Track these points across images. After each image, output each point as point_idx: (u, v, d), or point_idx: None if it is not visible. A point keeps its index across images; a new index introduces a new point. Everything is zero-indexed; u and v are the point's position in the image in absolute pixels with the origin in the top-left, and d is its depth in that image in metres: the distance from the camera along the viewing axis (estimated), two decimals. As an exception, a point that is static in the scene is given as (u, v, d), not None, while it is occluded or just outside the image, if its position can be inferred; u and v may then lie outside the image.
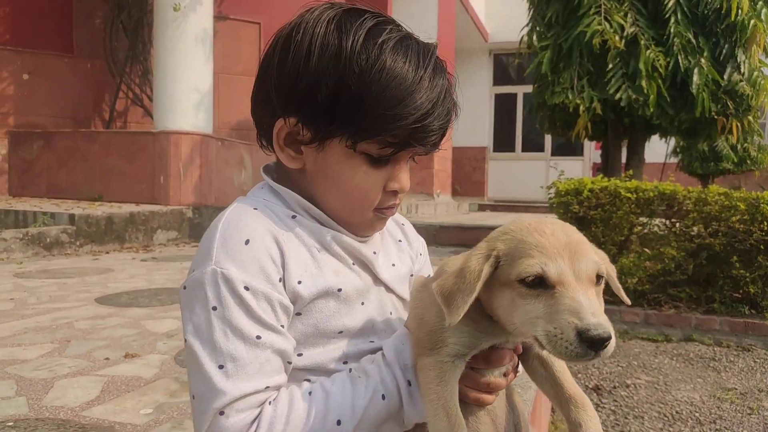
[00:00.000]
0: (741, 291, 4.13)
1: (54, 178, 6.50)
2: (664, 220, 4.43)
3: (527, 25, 6.68)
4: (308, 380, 0.85)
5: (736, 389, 3.07)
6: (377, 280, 0.95)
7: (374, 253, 0.94)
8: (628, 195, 4.29)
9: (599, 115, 5.87)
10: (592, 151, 13.89)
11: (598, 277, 0.73)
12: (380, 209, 0.91)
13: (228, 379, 0.75)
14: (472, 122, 14.44)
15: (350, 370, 0.85)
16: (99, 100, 7.76)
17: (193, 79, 6.35)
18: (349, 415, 0.80)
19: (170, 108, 6.29)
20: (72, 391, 1.69)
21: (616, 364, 3.46)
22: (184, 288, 0.82)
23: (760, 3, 5.67)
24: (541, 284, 0.70)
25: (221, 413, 0.74)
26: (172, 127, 6.20)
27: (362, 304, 0.91)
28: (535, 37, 6.44)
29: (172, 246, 5.54)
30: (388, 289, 0.97)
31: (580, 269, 0.71)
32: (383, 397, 0.82)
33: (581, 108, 5.70)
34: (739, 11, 5.41)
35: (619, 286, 0.81)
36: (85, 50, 7.61)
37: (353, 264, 0.91)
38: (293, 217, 0.88)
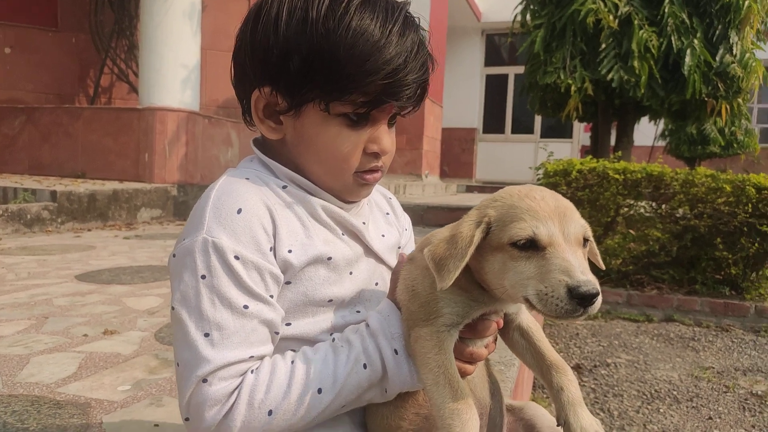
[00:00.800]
0: (723, 272, 4.18)
1: (36, 155, 6.39)
2: (650, 202, 4.45)
3: (521, 3, 6.60)
4: (293, 350, 0.85)
5: (714, 368, 3.11)
6: (368, 250, 0.96)
7: (363, 223, 0.95)
8: (616, 176, 4.29)
9: (590, 96, 5.85)
10: (581, 134, 13.89)
11: (585, 240, 0.76)
12: (361, 173, 0.90)
13: (213, 348, 0.75)
14: (462, 103, 14.37)
15: (333, 339, 0.86)
16: (83, 76, 7.62)
17: (180, 55, 6.24)
18: (329, 384, 0.80)
19: (156, 84, 6.18)
20: (48, 367, 1.67)
21: (597, 344, 3.50)
22: (174, 256, 0.82)
23: (754, -17, 5.64)
24: (532, 246, 0.72)
25: (204, 380, 0.75)
26: (158, 104, 6.09)
27: (351, 273, 0.92)
28: (528, 16, 6.37)
29: (155, 224, 5.49)
30: (379, 259, 0.98)
31: (569, 232, 0.73)
32: (365, 366, 0.83)
33: (572, 88, 5.67)
34: (733, -8, 5.38)
35: (597, 251, 0.85)
36: (69, 24, 7.44)
37: (342, 234, 0.92)
38: (284, 187, 0.89)
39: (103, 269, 3.14)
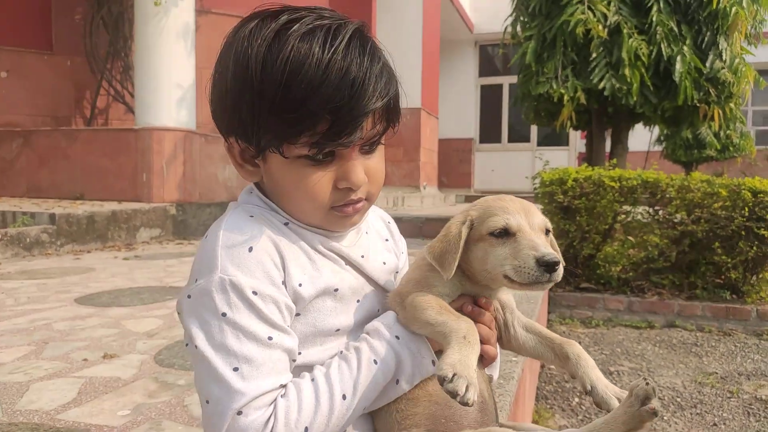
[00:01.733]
0: (723, 277, 4.17)
1: (34, 178, 6.40)
2: (647, 208, 4.46)
3: (511, 15, 6.66)
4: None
5: (717, 373, 3.10)
6: (370, 280, 0.99)
7: (362, 256, 0.97)
8: (612, 184, 4.31)
9: (583, 105, 5.88)
10: (577, 141, 13.95)
11: (547, 231, 0.96)
12: (338, 207, 0.90)
13: (244, 380, 0.79)
14: (458, 114, 14.44)
15: (341, 352, 0.90)
16: (79, 98, 7.66)
17: (175, 75, 6.28)
18: (351, 389, 0.85)
19: (152, 104, 6.21)
20: (48, 393, 1.67)
21: (599, 352, 3.49)
22: (189, 297, 0.83)
23: (741, -10, 5.69)
24: (506, 234, 0.91)
25: (239, 413, 0.78)
26: (155, 124, 6.12)
27: (358, 301, 0.96)
28: (519, 27, 6.43)
29: (155, 244, 5.49)
30: (380, 288, 1.01)
31: (533, 222, 0.93)
32: (375, 362, 0.87)
33: (565, 98, 5.71)
34: (720, -1, 5.43)
35: (555, 243, 1.00)
36: (64, 47, 7.50)
37: (346, 264, 0.95)
38: (286, 224, 0.91)
39: (103, 292, 3.13)
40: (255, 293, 0.81)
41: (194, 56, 6.57)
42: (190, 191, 6.34)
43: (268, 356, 0.81)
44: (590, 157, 6.74)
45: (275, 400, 0.81)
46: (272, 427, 0.79)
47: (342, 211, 0.90)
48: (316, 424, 0.82)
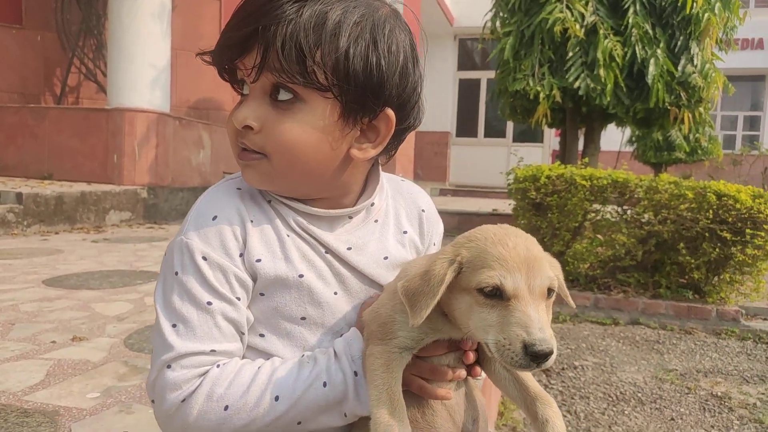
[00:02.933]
0: (686, 277, 4.30)
1: (0, 155, 6.22)
2: (616, 207, 4.56)
3: (491, 10, 6.71)
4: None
5: (677, 370, 3.21)
6: (360, 273, 0.92)
7: (349, 248, 0.91)
8: (583, 182, 4.39)
9: (558, 103, 5.97)
10: (552, 138, 14.14)
11: (550, 291, 0.78)
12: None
13: (178, 336, 0.81)
14: (436, 107, 14.48)
15: (303, 355, 0.87)
16: (49, 75, 7.44)
17: (149, 55, 6.16)
18: (287, 394, 0.82)
19: (125, 84, 6.09)
20: (15, 375, 1.64)
21: (565, 347, 3.57)
22: (165, 255, 0.88)
23: (714, -3, 5.85)
24: (497, 295, 0.74)
25: (168, 366, 0.80)
26: (127, 104, 6.01)
27: (335, 293, 0.90)
28: (498, 23, 6.48)
29: (125, 227, 5.40)
30: (372, 282, 0.94)
31: (534, 284, 0.75)
32: (324, 384, 0.83)
33: (541, 95, 5.78)
34: (694, 4, 5.57)
35: (567, 292, 0.85)
36: (34, 21, 7.27)
37: (326, 252, 0.90)
38: (269, 201, 0.90)
39: (71, 274, 3.08)
40: (204, 258, 0.83)
41: (170, 37, 6.45)
42: (162, 175, 6.24)
43: (204, 320, 0.82)
44: (563, 155, 6.86)
45: (209, 365, 0.81)
46: (194, 389, 0.80)
47: (238, 155, 0.88)
48: (237, 408, 0.80)
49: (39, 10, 7.29)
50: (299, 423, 0.83)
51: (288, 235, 0.88)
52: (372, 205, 0.96)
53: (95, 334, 2.08)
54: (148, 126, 6.08)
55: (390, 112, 0.86)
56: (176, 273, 0.83)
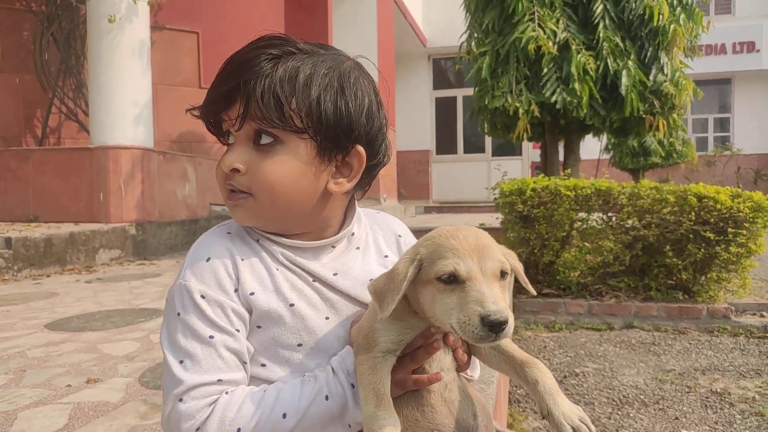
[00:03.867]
0: (675, 278, 4.42)
1: (-16, 200, 6.16)
2: (601, 215, 4.69)
3: (465, 32, 6.89)
4: None
5: (675, 370, 3.30)
6: (349, 297, 1.00)
7: (335, 274, 0.99)
8: (568, 192, 4.51)
9: (537, 117, 6.13)
10: (530, 151, 14.39)
11: (504, 273, 0.87)
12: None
13: (186, 371, 0.87)
14: (415, 126, 14.67)
15: (304, 374, 0.94)
16: (30, 116, 7.41)
17: (130, 92, 6.18)
18: (293, 410, 0.88)
19: (108, 122, 6.09)
20: (38, 421, 1.65)
21: (564, 355, 3.64)
22: (167, 300, 0.95)
23: (679, 9, 6.09)
24: (454, 280, 0.83)
25: (180, 399, 0.86)
26: (111, 142, 6.01)
27: (327, 318, 0.97)
28: (473, 44, 6.65)
29: (116, 265, 5.37)
30: (361, 303, 1.01)
31: (486, 267, 0.84)
32: (326, 397, 0.90)
33: (520, 111, 5.94)
34: (660, 17, 5.80)
35: (527, 279, 0.94)
36: (12, 64, 7.25)
37: (313, 281, 0.98)
38: (257, 240, 0.99)
39: (72, 316, 3.07)
40: (203, 297, 0.90)
41: (150, 73, 6.49)
42: (149, 210, 6.23)
43: (208, 353, 0.88)
44: (545, 167, 7.01)
45: (217, 395, 0.87)
46: (207, 416, 0.85)
47: (227, 197, 0.98)
48: (248, 429, 0.86)
49: (17, 52, 7.28)
50: None
51: (277, 269, 0.96)
52: (352, 234, 1.06)
53: (108, 375, 2.09)
54: (133, 162, 6.08)
55: (360, 148, 0.97)
56: (178, 314, 0.90)
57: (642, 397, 2.93)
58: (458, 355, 0.97)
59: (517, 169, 14.23)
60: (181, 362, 0.88)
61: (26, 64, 7.26)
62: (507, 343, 0.96)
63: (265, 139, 0.92)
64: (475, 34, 6.59)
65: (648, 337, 4.00)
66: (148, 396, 1.87)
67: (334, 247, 1.02)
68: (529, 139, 7.28)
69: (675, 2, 6.09)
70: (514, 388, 3.14)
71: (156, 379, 2.03)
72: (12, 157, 6.19)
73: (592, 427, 0.84)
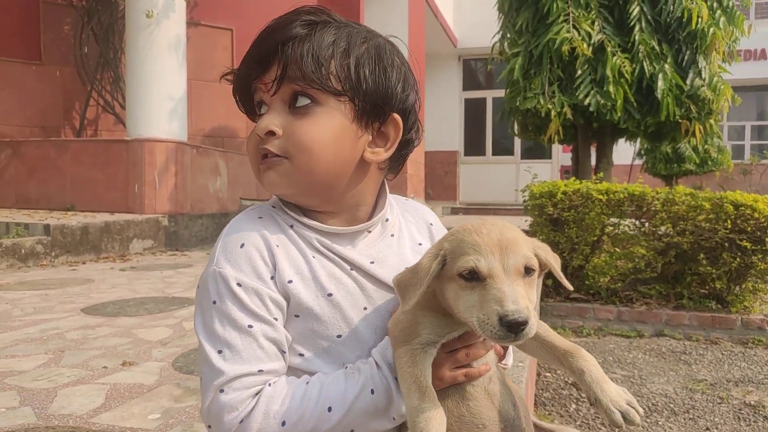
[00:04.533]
0: (708, 287, 4.32)
1: (23, 189, 6.36)
2: (633, 221, 4.61)
3: (498, 32, 6.85)
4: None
5: (707, 380, 3.23)
6: (384, 285, 0.97)
7: (372, 262, 0.97)
8: (600, 197, 4.45)
9: (569, 120, 6.06)
10: (559, 154, 14.22)
11: (529, 270, 0.84)
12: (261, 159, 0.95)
13: (226, 362, 0.85)
14: (443, 127, 14.63)
15: (346, 367, 0.92)
16: (69, 108, 7.62)
17: (166, 86, 6.31)
18: (339, 404, 0.86)
19: (143, 115, 6.23)
20: (76, 399, 1.71)
21: (593, 360, 3.60)
22: (198, 287, 0.93)
23: (719, 12, 5.96)
24: (475, 277, 0.82)
25: (221, 390, 0.84)
26: (146, 135, 6.14)
27: (365, 309, 0.95)
28: (506, 44, 6.61)
29: (148, 255, 5.49)
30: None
31: (508, 264, 0.82)
32: (372, 391, 0.88)
33: (552, 113, 5.87)
34: (699, 20, 5.68)
35: (562, 274, 0.91)
36: (53, 57, 7.47)
37: (351, 269, 0.95)
38: (291, 226, 0.95)
39: (107, 302, 3.16)
40: (239, 285, 0.88)
41: (185, 68, 6.61)
42: (181, 202, 6.35)
43: (248, 343, 0.86)
44: (577, 170, 6.92)
45: (261, 385, 0.85)
46: (251, 409, 0.84)
47: (260, 162, 0.94)
48: (293, 423, 0.84)
49: (57, 46, 7.50)
50: (352, 431, 0.88)
51: (313, 257, 0.93)
52: (386, 220, 1.03)
53: (143, 359, 2.14)
54: (167, 155, 6.21)
55: (397, 116, 0.95)
56: (214, 302, 0.88)
57: (672, 405, 2.88)
58: (497, 348, 0.96)
59: (546, 172, 14.07)
60: (219, 352, 0.85)
61: (66, 58, 7.47)
62: (546, 329, 0.95)
63: (302, 101, 0.90)
64: (508, 35, 6.55)
65: (679, 346, 3.92)
66: (181, 380, 1.91)
67: (369, 232, 1.00)
68: (561, 142, 7.20)
69: (715, 5, 5.95)
70: (540, 391, 3.12)
71: (189, 365, 2.07)
72: (51, 147, 6.38)
73: (640, 409, 0.84)
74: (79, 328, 2.58)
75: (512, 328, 0.76)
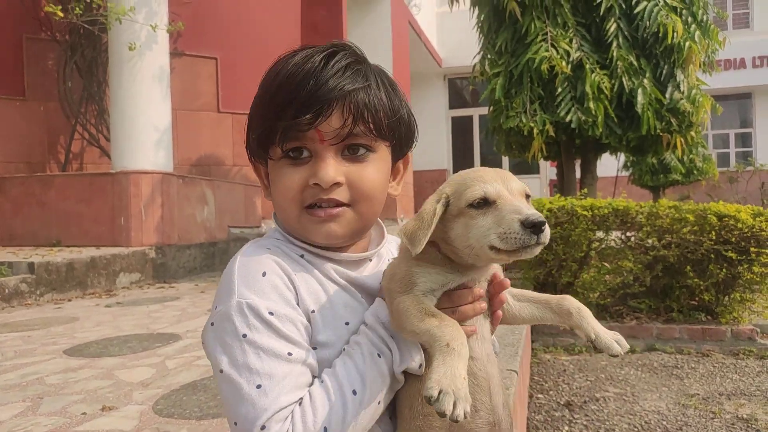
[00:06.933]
0: (697, 299, 4.33)
1: (8, 225, 6.30)
2: (619, 235, 4.62)
3: (479, 53, 6.93)
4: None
5: (699, 395, 3.21)
6: None
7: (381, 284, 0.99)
8: (585, 213, 4.46)
9: (552, 137, 6.11)
10: (548, 169, 14.31)
11: (527, 196, 0.93)
12: (310, 210, 0.94)
13: (267, 396, 0.81)
14: (431, 145, 14.72)
15: (344, 349, 0.91)
16: (53, 143, 7.60)
17: (151, 117, 6.32)
18: (359, 383, 0.86)
19: (128, 147, 6.22)
20: (52, 450, 1.67)
21: (584, 379, 3.57)
22: (212, 325, 0.88)
23: (693, 26, 6.06)
24: (485, 204, 0.88)
25: (263, 428, 0.80)
26: (131, 167, 6.12)
27: None
28: (487, 64, 6.68)
29: (135, 289, 5.44)
30: None
31: (512, 188, 0.90)
32: (379, 355, 0.89)
33: (535, 131, 5.92)
34: (675, 34, 5.77)
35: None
36: (37, 93, 7.47)
37: (362, 297, 0.98)
38: (302, 255, 0.96)
39: (91, 342, 3.11)
40: (271, 313, 0.85)
41: (170, 98, 6.63)
42: (168, 233, 6.31)
43: (290, 370, 0.84)
44: (562, 186, 6.96)
45: (292, 410, 0.83)
46: None
47: (314, 213, 0.94)
48: (334, 422, 0.84)
49: (41, 81, 7.50)
50: (379, 403, 0.88)
51: (329, 284, 0.95)
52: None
53: (123, 403, 2.10)
54: (153, 186, 6.19)
55: (409, 153, 1.03)
56: (244, 335, 0.84)
57: (665, 423, 2.86)
58: (496, 314, 0.98)
59: (536, 187, 14.15)
60: (258, 387, 0.82)
61: (50, 93, 7.47)
62: (532, 292, 1.03)
63: (361, 150, 0.94)
64: (489, 55, 6.63)
65: (670, 360, 3.91)
66: (160, 424, 1.87)
67: (370, 260, 1.03)
68: (545, 158, 7.25)
69: (690, 20, 6.06)
70: (532, 414, 3.08)
71: (170, 407, 2.04)
72: (36, 183, 6.34)
73: (626, 345, 0.94)
74: (60, 371, 2.53)
75: (535, 229, 0.82)
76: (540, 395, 3.33)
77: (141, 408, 2.04)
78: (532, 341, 4.32)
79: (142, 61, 6.28)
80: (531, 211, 0.84)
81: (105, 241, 6.02)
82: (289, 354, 0.85)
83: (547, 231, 0.84)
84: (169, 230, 6.32)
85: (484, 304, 0.95)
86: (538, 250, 0.85)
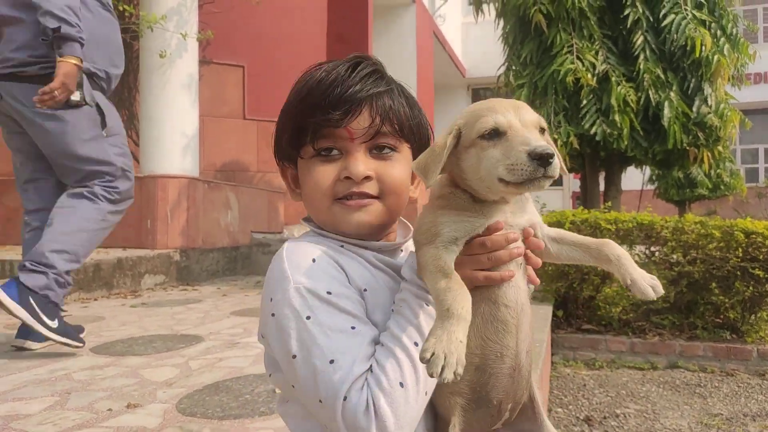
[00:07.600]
0: (722, 317, 4.25)
1: (39, 226, 6.46)
2: (643, 249, 4.57)
3: (503, 64, 6.94)
4: None
5: (722, 414, 3.15)
6: None
7: None
8: (608, 226, 4.43)
9: (576, 149, 6.08)
10: (571, 181, 14.19)
11: (542, 129, 0.92)
12: (342, 200, 1.01)
13: (342, 369, 0.86)
14: (453, 156, 14.71)
15: (392, 309, 0.96)
16: (84, 146, 7.80)
17: (179, 124, 6.45)
18: (417, 334, 0.90)
19: (156, 152, 6.36)
20: (79, 444, 1.72)
21: (605, 394, 3.53)
22: (273, 315, 0.93)
23: (722, 39, 5.99)
24: (496, 135, 0.88)
25: (345, 399, 0.85)
26: (159, 171, 6.25)
27: None
28: (511, 76, 6.69)
29: (160, 290, 5.54)
30: None
31: (525, 119, 0.89)
32: (426, 304, 0.94)
33: (559, 143, 5.90)
34: (703, 48, 5.71)
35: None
36: (70, 97, 7.69)
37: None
38: (341, 245, 1.02)
39: (117, 341, 3.18)
40: (329, 293, 0.91)
41: (197, 105, 6.76)
42: (193, 237, 6.41)
43: (356, 343, 0.88)
44: (585, 199, 6.90)
45: (366, 378, 0.87)
46: (373, 399, 0.85)
47: (345, 203, 1.00)
48: (407, 376, 0.87)
49: (74, 87, 7.72)
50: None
51: (373, 270, 1.00)
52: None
53: (147, 401, 2.15)
54: (180, 191, 6.30)
55: None
56: (308, 317, 0.89)
57: (686, 441, 2.81)
58: (532, 261, 0.99)
59: (558, 199, 14.04)
60: (331, 362, 0.86)
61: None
62: (572, 234, 1.03)
63: (387, 150, 1.02)
64: (513, 67, 6.63)
65: (693, 378, 3.84)
66: (184, 423, 1.91)
67: (401, 250, 1.10)
68: (569, 171, 7.20)
69: (719, 33, 5.99)
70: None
71: (192, 406, 2.08)
72: (67, 185, 6.50)
73: (661, 291, 0.95)
74: (87, 368, 2.60)
75: (542, 161, 0.82)
76: (559, 409, 3.30)
77: (165, 406, 2.08)
78: (552, 354, 4.28)
79: (172, 68, 6.42)
80: (539, 143, 0.83)
81: (131, 243, 6.14)
82: (353, 327, 0.90)
83: (556, 164, 0.83)
84: (194, 234, 6.42)
85: (521, 247, 0.96)
86: (547, 183, 0.85)
